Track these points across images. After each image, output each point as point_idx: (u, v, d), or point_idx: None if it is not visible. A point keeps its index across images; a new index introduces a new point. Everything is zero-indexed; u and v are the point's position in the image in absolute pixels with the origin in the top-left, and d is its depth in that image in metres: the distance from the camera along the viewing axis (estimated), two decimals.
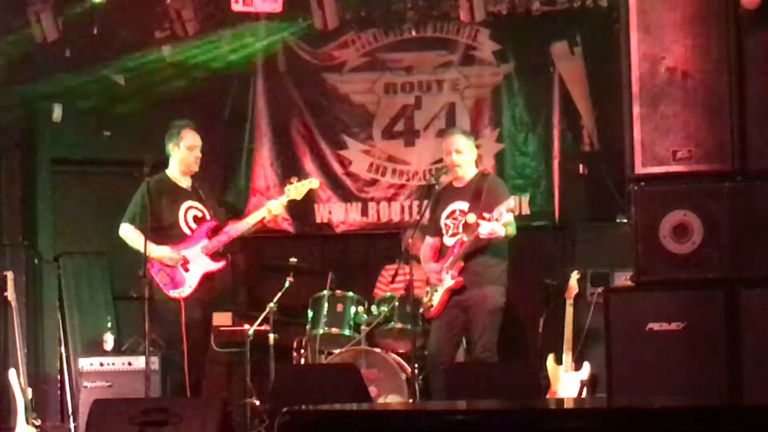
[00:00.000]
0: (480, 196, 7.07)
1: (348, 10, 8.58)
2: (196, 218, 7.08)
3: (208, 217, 7.12)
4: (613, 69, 5.64)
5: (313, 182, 7.46)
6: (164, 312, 6.92)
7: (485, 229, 6.83)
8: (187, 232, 7.04)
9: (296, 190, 7.24)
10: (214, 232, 7.08)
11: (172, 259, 6.90)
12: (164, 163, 7.19)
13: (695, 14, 5.30)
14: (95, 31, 8.24)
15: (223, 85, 9.07)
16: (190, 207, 7.09)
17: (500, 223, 6.86)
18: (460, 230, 7.07)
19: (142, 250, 6.81)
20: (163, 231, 6.97)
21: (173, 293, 6.90)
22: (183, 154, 7.10)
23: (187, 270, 6.95)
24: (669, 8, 5.32)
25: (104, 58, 8.58)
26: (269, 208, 7.16)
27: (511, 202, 6.90)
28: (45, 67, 8.49)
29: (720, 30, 5.28)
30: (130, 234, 7.00)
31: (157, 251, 6.89)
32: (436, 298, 7.09)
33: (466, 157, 7.19)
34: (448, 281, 7.04)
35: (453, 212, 7.16)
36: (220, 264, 7.06)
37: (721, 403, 4.05)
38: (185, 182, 7.15)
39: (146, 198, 6.94)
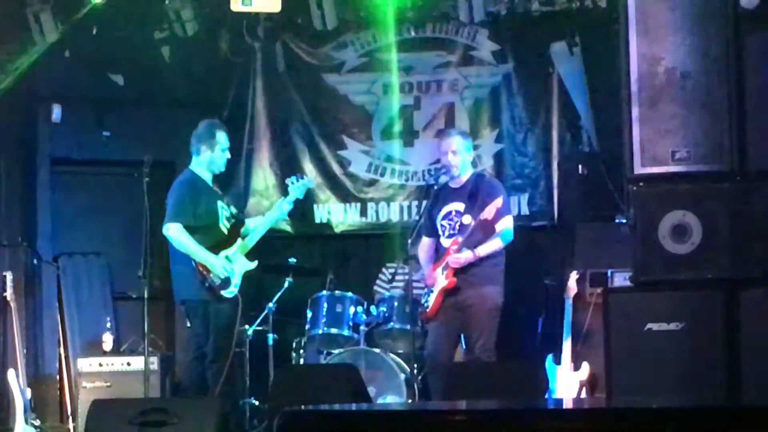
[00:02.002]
0: (476, 197, 7.09)
1: (347, 11, 8.58)
2: (228, 218, 7.08)
3: (234, 216, 7.12)
4: (612, 69, 5.66)
5: (310, 182, 7.48)
6: (217, 312, 6.90)
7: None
8: (225, 232, 7.03)
9: (299, 188, 7.27)
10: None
11: (224, 270, 6.89)
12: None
13: (694, 14, 5.31)
14: (95, 32, 8.24)
15: (223, 85, 9.07)
16: (222, 206, 7.09)
17: (496, 233, 6.90)
18: (457, 231, 7.08)
19: (198, 254, 6.80)
20: (204, 231, 6.91)
21: (225, 293, 6.90)
22: (217, 155, 7.07)
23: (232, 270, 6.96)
24: (668, 8, 5.33)
25: (104, 58, 8.58)
26: (282, 209, 7.23)
27: (499, 201, 6.93)
28: (45, 67, 8.49)
29: (719, 30, 5.29)
30: (181, 235, 6.86)
31: (211, 262, 6.83)
32: (431, 299, 7.10)
33: (462, 158, 7.21)
34: (442, 281, 7.04)
35: (449, 213, 7.17)
36: (255, 263, 7.10)
37: (720, 403, 4.05)
38: (210, 181, 7.12)
39: (196, 195, 6.91)
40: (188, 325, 7.11)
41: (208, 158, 7.06)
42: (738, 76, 5.27)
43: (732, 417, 2.73)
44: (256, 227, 7.20)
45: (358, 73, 8.98)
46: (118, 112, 8.80)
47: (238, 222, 7.16)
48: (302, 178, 7.47)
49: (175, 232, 6.86)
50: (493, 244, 7.01)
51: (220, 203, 7.07)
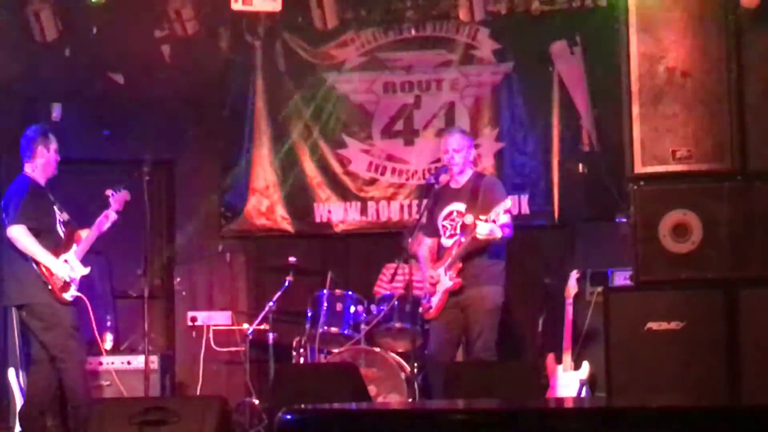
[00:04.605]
0: (477, 196, 7.08)
1: (347, 10, 8.58)
2: (64, 222, 7.09)
3: (68, 222, 7.12)
4: (613, 68, 5.65)
5: (126, 194, 7.33)
6: (61, 314, 6.90)
7: (483, 230, 6.82)
8: (62, 236, 7.05)
9: (119, 201, 7.23)
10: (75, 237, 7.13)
11: (66, 272, 6.90)
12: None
13: (695, 14, 5.31)
14: (95, 31, 8.24)
15: (223, 84, 9.06)
16: (59, 210, 7.09)
17: (497, 224, 6.86)
18: (458, 231, 7.07)
19: (40, 256, 6.82)
20: (45, 235, 6.93)
21: (66, 295, 6.92)
22: (52, 157, 7.09)
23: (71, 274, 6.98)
24: (669, 8, 5.33)
25: (104, 58, 8.57)
26: (108, 225, 7.17)
27: (508, 202, 6.90)
28: (45, 67, 8.48)
29: (720, 30, 5.29)
30: (26, 238, 6.88)
31: (54, 265, 6.85)
32: (435, 300, 7.09)
33: (463, 157, 7.20)
34: (447, 282, 7.04)
35: (450, 213, 7.17)
36: (89, 268, 7.10)
37: (720, 403, 4.05)
38: (44, 186, 7.11)
39: (37, 198, 6.92)
40: (31, 329, 7.04)
41: (44, 161, 7.05)
42: (739, 76, 5.27)
43: (732, 417, 2.73)
44: (87, 236, 7.15)
45: (359, 71, 8.98)
46: (118, 112, 8.79)
47: (72, 227, 7.15)
48: (120, 191, 7.32)
49: (19, 233, 6.88)
50: (498, 229, 6.94)
51: (55, 207, 7.09)
